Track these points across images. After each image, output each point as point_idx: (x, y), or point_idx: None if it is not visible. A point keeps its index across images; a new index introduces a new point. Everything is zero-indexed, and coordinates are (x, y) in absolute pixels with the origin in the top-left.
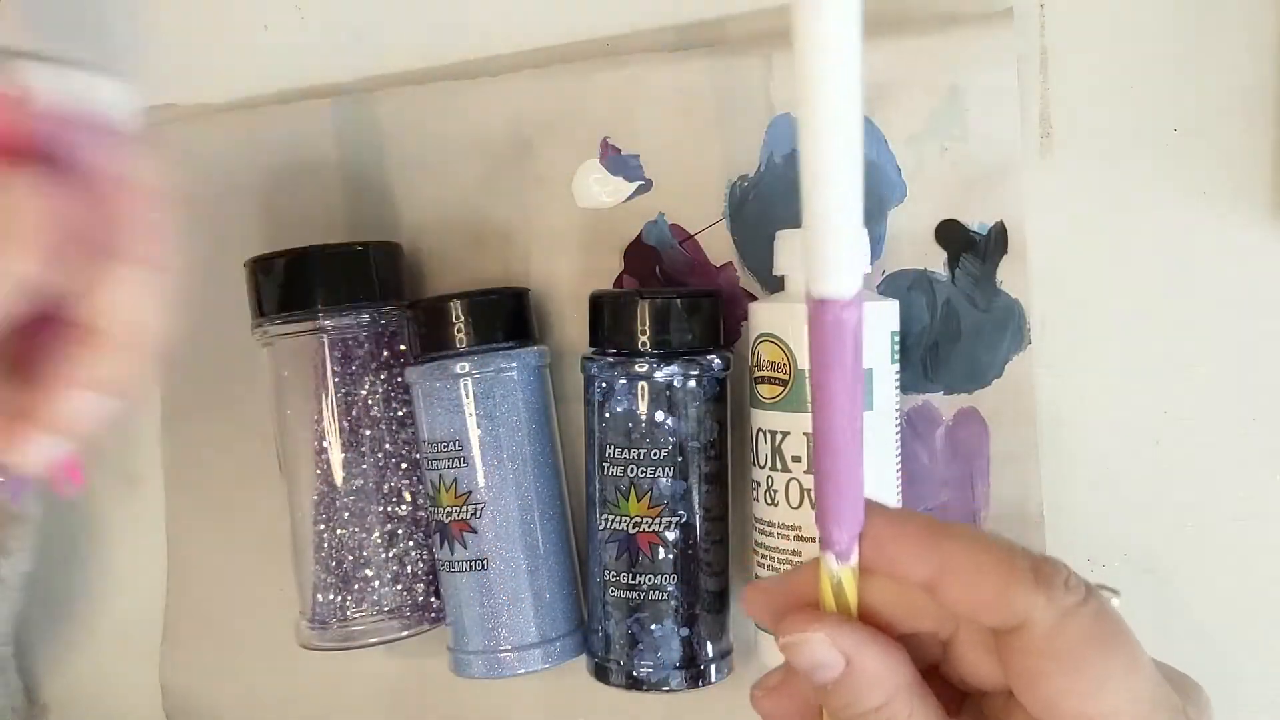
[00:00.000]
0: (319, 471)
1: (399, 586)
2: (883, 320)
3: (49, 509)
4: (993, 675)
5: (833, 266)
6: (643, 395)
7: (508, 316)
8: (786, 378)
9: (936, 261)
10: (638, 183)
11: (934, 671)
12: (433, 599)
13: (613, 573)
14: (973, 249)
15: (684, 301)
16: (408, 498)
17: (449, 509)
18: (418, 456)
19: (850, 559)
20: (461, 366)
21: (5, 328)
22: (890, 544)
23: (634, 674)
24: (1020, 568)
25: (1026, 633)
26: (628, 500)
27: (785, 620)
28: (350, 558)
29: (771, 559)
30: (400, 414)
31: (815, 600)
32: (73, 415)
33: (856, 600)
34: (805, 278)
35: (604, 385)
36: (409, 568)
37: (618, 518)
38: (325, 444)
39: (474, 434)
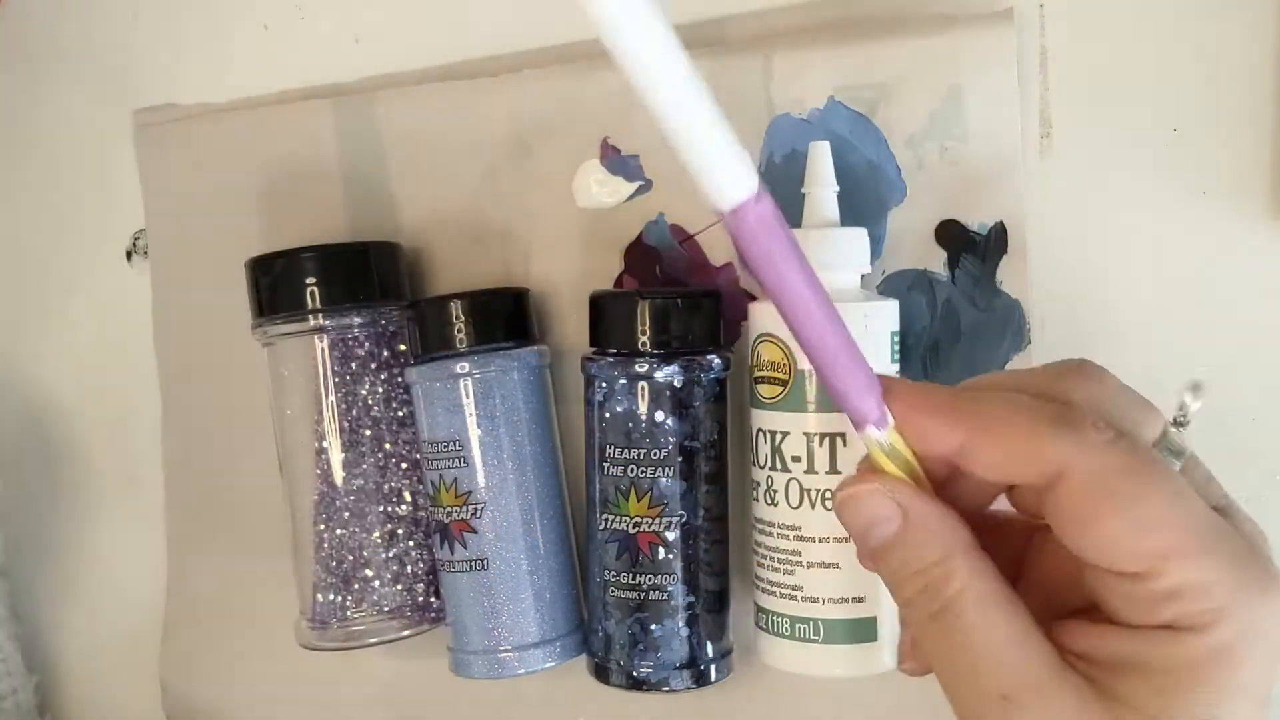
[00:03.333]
0: (319, 471)
1: (399, 586)
2: (883, 320)
3: (49, 510)
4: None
5: (725, 172)
6: (643, 395)
7: (508, 316)
8: (786, 378)
9: (936, 261)
10: (638, 183)
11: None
12: (433, 599)
13: (613, 573)
14: (973, 249)
15: (684, 301)
16: (408, 498)
17: (449, 509)
18: (418, 456)
19: (889, 421)
20: (461, 366)
21: None
22: (916, 416)
23: (634, 674)
24: (1047, 417)
25: (1066, 480)
26: (628, 500)
27: (842, 480)
28: (350, 558)
29: (771, 559)
30: (400, 414)
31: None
32: None
33: (913, 457)
34: (709, 202)
35: (604, 385)
36: (409, 568)
37: (618, 518)
38: (325, 444)
39: (474, 434)
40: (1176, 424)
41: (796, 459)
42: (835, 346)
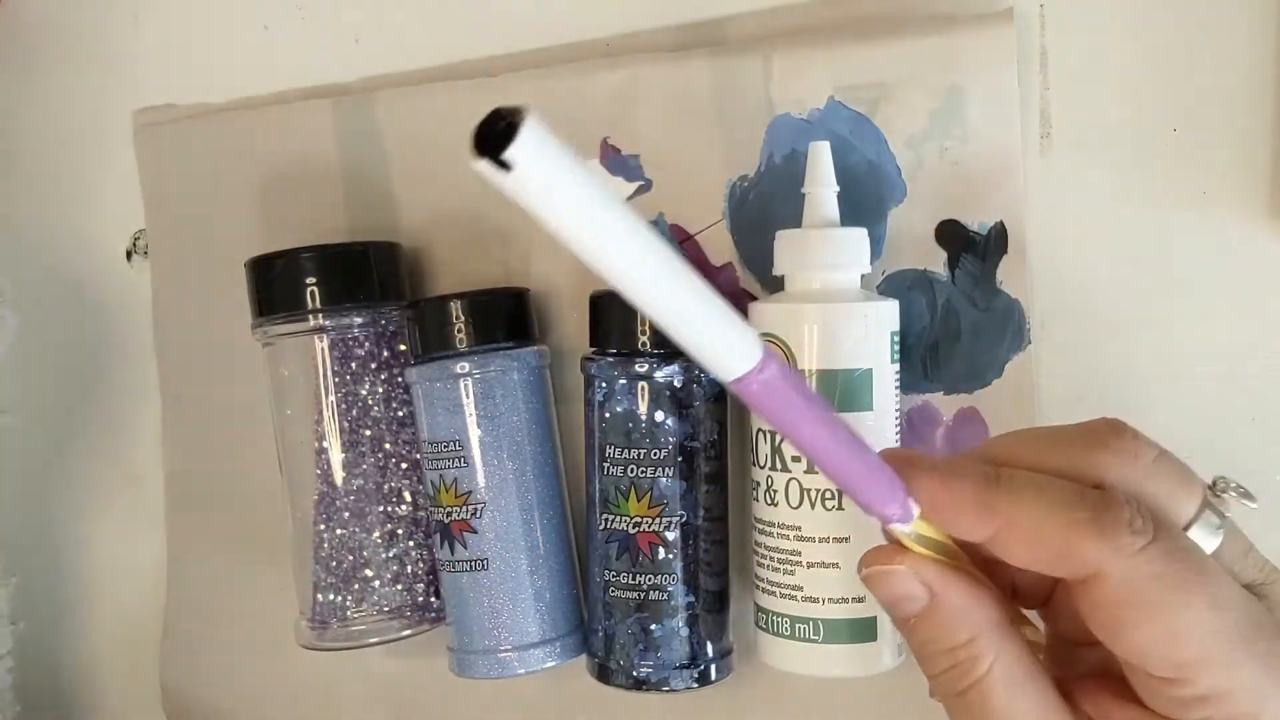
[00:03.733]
0: (319, 471)
1: (399, 586)
2: (883, 320)
3: (49, 510)
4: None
5: (726, 351)
6: (643, 395)
7: (508, 316)
8: None
9: (936, 261)
10: (638, 183)
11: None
12: (433, 599)
13: (613, 573)
14: (973, 249)
15: None
16: (408, 498)
17: (449, 509)
18: (418, 456)
19: (913, 515)
20: (462, 366)
21: None
22: (942, 510)
23: (634, 674)
24: (1080, 520)
25: (1100, 584)
26: (628, 500)
27: (869, 552)
28: (350, 558)
29: (771, 559)
30: (400, 414)
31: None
32: None
33: (944, 538)
34: (711, 373)
35: (604, 385)
36: (409, 568)
37: (618, 518)
38: (325, 444)
39: (474, 434)
40: (1215, 491)
41: (796, 459)
42: (853, 470)
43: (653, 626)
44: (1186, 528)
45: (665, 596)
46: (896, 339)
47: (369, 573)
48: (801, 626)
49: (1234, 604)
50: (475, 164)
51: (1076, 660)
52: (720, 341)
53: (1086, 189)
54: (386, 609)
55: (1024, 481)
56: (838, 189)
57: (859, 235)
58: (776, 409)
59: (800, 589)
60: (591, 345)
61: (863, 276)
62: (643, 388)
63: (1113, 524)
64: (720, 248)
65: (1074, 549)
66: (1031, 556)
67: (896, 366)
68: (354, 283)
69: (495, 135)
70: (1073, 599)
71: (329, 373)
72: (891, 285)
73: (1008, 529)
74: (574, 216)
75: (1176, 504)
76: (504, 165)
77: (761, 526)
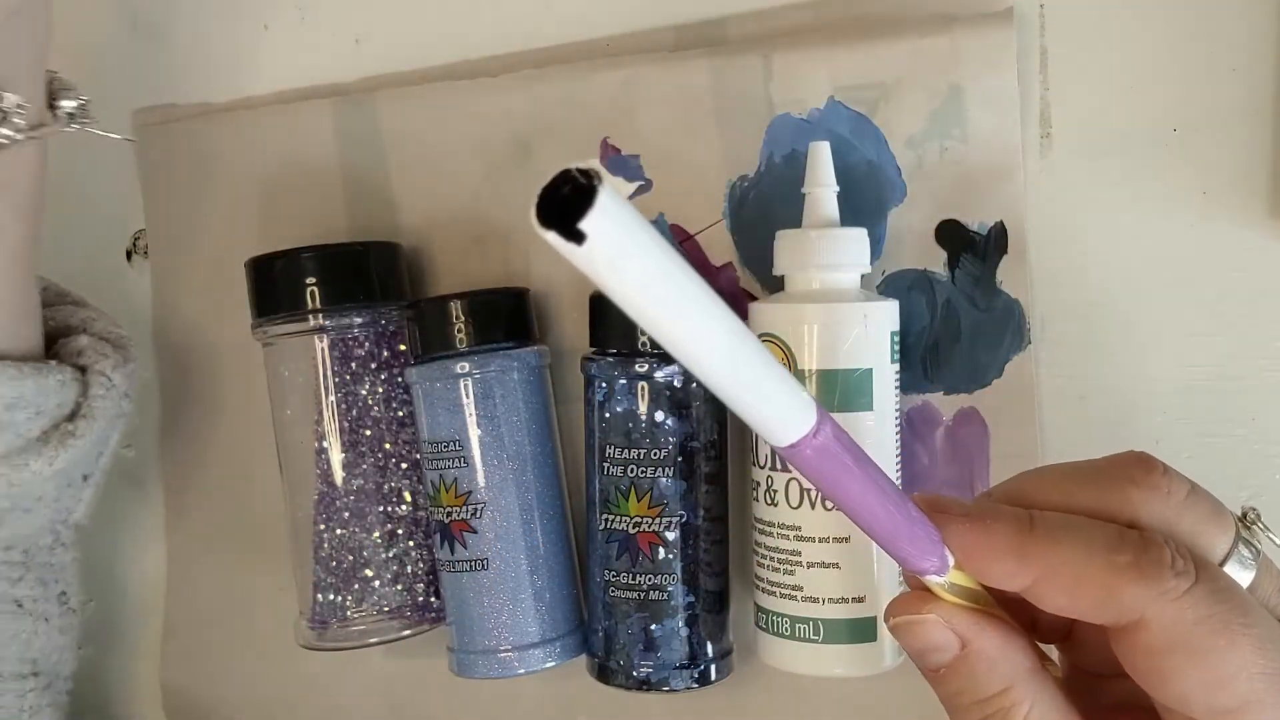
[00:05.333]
0: (319, 471)
1: (399, 586)
2: (883, 320)
3: None
4: (1114, 661)
5: (784, 416)
6: (643, 395)
7: (508, 316)
8: None
9: (936, 261)
10: (638, 183)
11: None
12: (433, 599)
13: (613, 573)
14: (973, 249)
15: None
16: (408, 498)
17: (449, 509)
18: (418, 456)
19: (949, 565)
20: (462, 366)
21: None
22: (980, 561)
23: (634, 674)
24: (1122, 564)
25: (1143, 630)
26: (628, 500)
27: (896, 601)
28: (350, 558)
29: (771, 559)
30: (400, 414)
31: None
32: None
33: (972, 582)
34: (764, 438)
35: (604, 385)
36: (409, 568)
37: (618, 518)
38: (325, 444)
39: (474, 434)
40: (1245, 523)
41: None
42: (896, 527)
43: (652, 626)
44: (1221, 564)
45: (665, 596)
46: (896, 339)
47: (369, 573)
48: (801, 626)
49: (1277, 642)
50: (543, 233)
51: (1098, 693)
52: (779, 408)
53: (1086, 189)
54: (386, 609)
55: (1060, 525)
56: (838, 189)
57: (859, 235)
58: (826, 471)
59: (800, 589)
60: (591, 345)
61: (863, 276)
62: (643, 388)
63: (1155, 567)
64: (720, 248)
65: (1116, 595)
66: (1071, 604)
67: (896, 366)
68: (354, 283)
69: (561, 200)
70: (1111, 644)
71: (329, 373)
72: (891, 285)
73: (1046, 576)
74: (644, 289)
75: (1210, 540)
76: (576, 237)
77: (761, 526)
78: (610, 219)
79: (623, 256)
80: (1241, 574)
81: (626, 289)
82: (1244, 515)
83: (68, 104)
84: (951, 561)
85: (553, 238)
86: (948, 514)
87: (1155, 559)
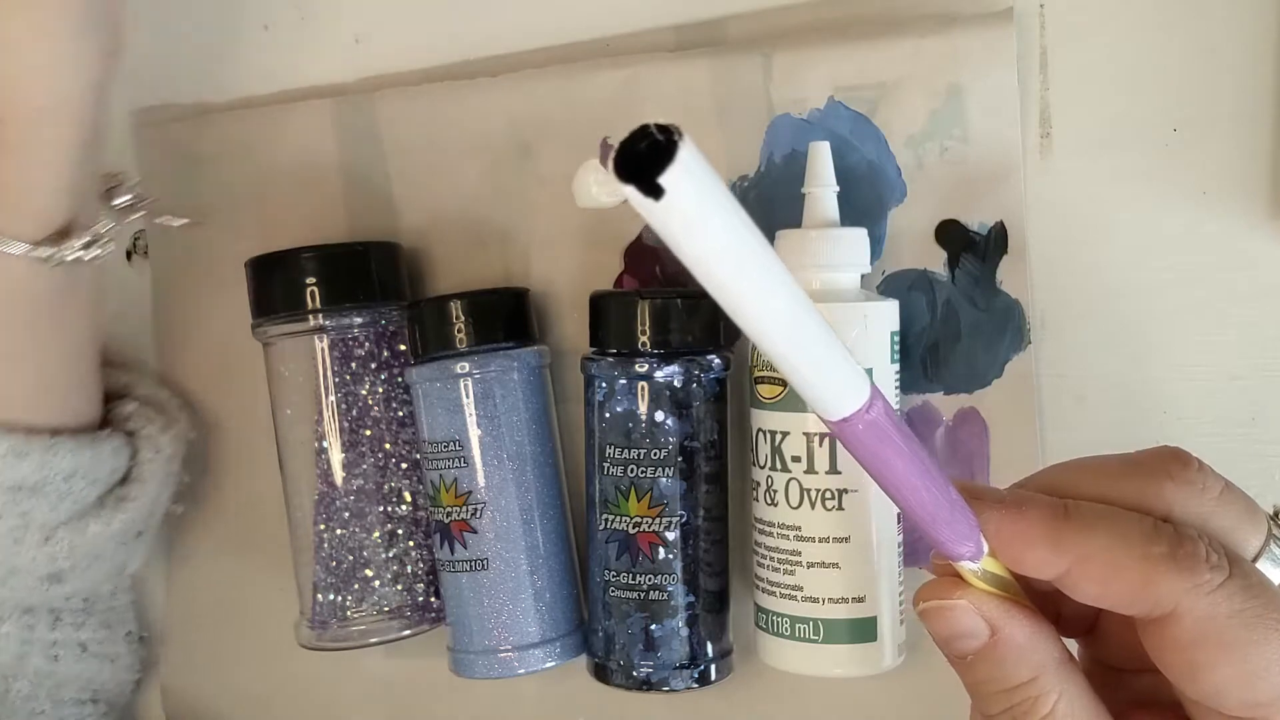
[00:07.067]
0: (319, 471)
1: (399, 586)
2: (883, 320)
3: None
4: (1144, 656)
5: (839, 389)
6: (643, 395)
7: (508, 316)
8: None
9: (936, 261)
10: None
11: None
12: (433, 599)
13: (613, 573)
14: (973, 249)
15: (684, 301)
16: (408, 498)
17: (449, 509)
18: (418, 456)
19: (984, 551)
20: (462, 366)
21: None
22: (1015, 548)
23: (634, 674)
24: (1157, 555)
25: (1175, 623)
26: (628, 500)
27: (926, 586)
28: (350, 558)
29: (771, 559)
30: (400, 414)
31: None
32: None
33: (1003, 571)
34: (817, 411)
35: (604, 385)
36: (409, 568)
37: (618, 518)
38: (325, 444)
39: (474, 434)
40: (1278, 520)
41: (796, 459)
42: (938, 509)
43: (652, 626)
44: (1254, 560)
45: (665, 596)
46: (896, 339)
47: (369, 573)
48: (801, 626)
49: None
50: (622, 188)
51: (1122, 688)
52: (835, 381)
53: (1086, 189)
54: (386, 609)
55: (1095, 514)
56: (838, 189)
57: (859, 235)
58: (876, 449)
59: (800, 589)
60: (591, 345)
61: (863, 276)
62: (643, 388)
63: (1190, 559)
64: None
65: (1151, 586)
66: (1104, 593)
67: (896, 366)
68: (354, 283)
69: (639, 155)
70: (1140, 637)
71: (329, 373)
72: (891, 285)
73: (1080, 565)
74: (717, 248)
75: (1243, 537)
76: (654, 192)
77: (761, 526)
78: (690, 175)
79: (699, 213)
80: (1274, 571)
81: (699, 247)
82: (1276, 514)
83: (122, 200)
84: (986, 548)
85: (631, 192)
86: (983, 500)
87: (1190, 552)
